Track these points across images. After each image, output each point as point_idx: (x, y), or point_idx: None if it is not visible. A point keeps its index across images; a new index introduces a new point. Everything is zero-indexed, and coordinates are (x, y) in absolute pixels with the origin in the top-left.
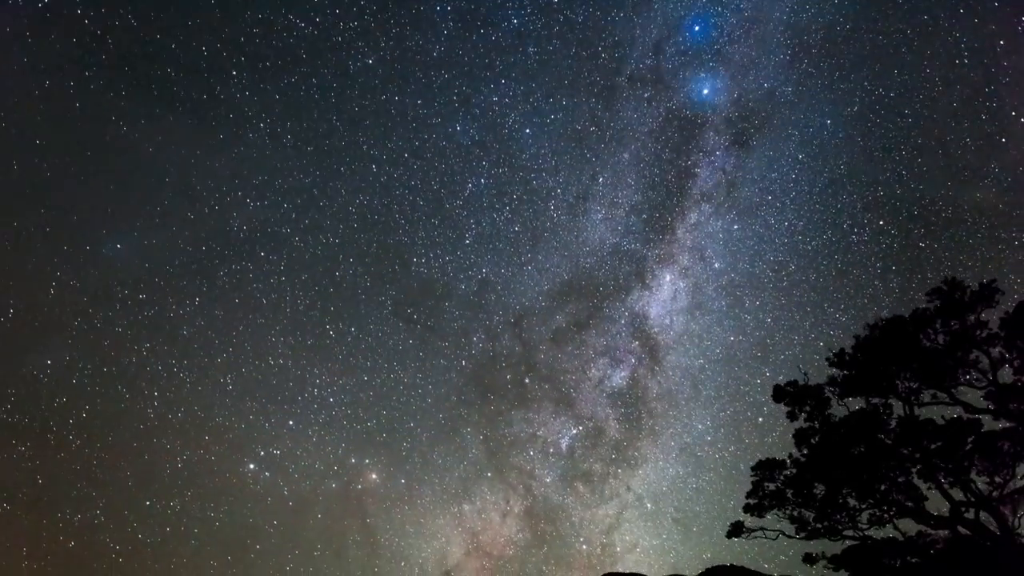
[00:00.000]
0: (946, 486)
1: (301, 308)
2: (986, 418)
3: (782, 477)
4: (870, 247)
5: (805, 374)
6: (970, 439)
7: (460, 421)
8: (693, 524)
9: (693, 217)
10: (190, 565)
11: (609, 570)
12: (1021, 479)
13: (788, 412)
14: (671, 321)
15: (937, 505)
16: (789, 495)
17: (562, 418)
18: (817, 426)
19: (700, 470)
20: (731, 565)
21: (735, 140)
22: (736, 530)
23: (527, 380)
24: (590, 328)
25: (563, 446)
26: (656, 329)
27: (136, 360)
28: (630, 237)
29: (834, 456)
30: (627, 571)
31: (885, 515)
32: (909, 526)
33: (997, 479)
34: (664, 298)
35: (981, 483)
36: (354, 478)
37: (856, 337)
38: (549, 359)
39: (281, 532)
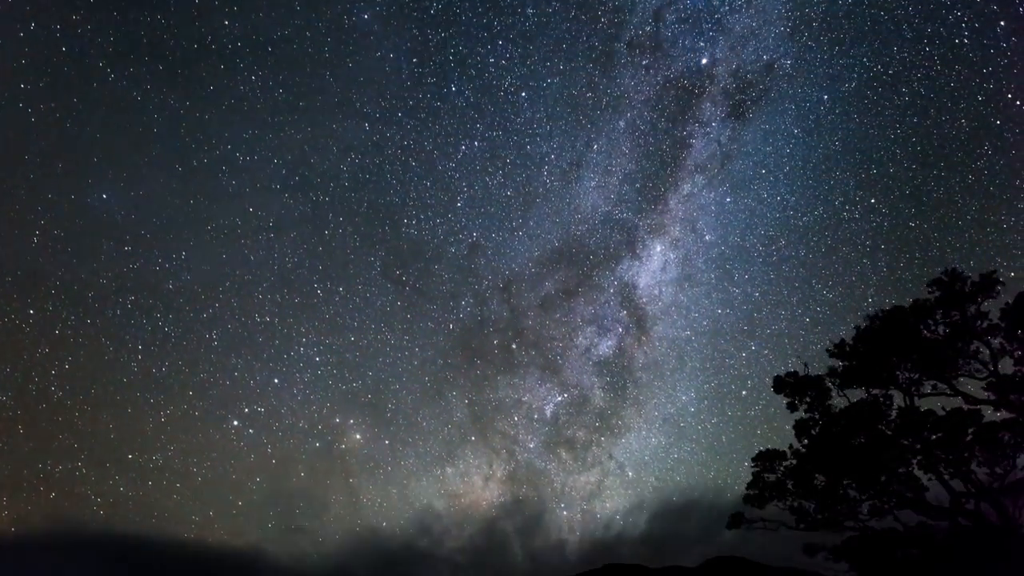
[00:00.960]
0: (946, 477)
1: (289, 266)
2: (987, 409)
3: (782, 468)
4: (860, 225)
5: (805, 365)
6: (971, 430)
7: (446, 384)
8: (673, 494)
9: (686, 188)
10: (172, 519)
11: (590, 538)
12: (1021, 470)
13: (788, 403)
14: (660, 292)
15: (938, 496)
16: (789, 486)
17: (547, 385)
18: (817, 417)
19: (682, 441)
20: (732, 556)
21: (732, 112)
22: (736, 521)
23: (514, 346)
24: (579, 296)
25: (547, 412)
26: (644, 299)
27: (120, 313)
28: (622, 206)
29: (834, 447)
30: (626, 563)
31: (886, 506)
32: (910, 517)
33: (998, 470)
34: (654, 268)
35: (982, 474)
36: (338, 438)
37: (856, 327)
38: (537, 326)
39: (264, 489)
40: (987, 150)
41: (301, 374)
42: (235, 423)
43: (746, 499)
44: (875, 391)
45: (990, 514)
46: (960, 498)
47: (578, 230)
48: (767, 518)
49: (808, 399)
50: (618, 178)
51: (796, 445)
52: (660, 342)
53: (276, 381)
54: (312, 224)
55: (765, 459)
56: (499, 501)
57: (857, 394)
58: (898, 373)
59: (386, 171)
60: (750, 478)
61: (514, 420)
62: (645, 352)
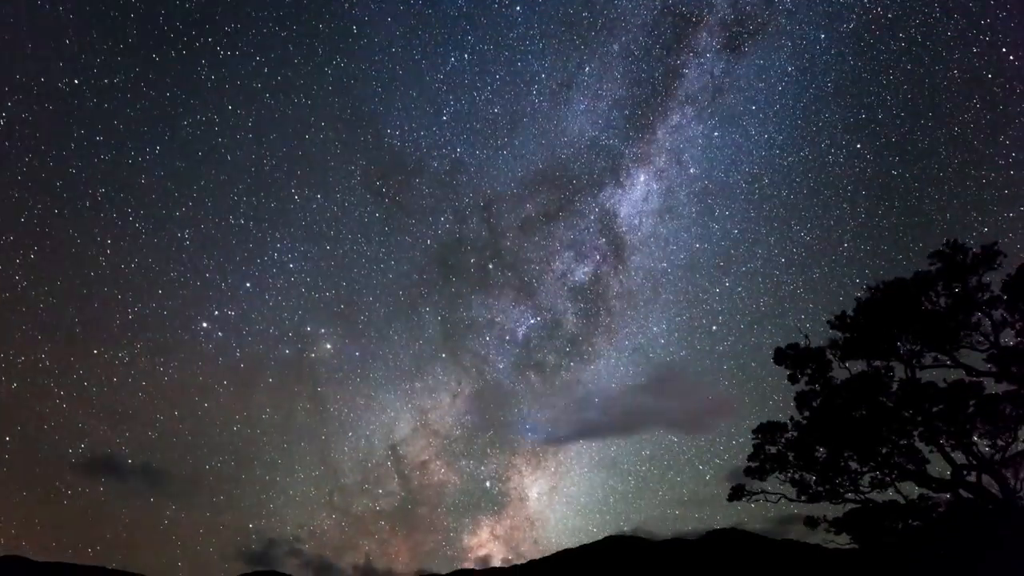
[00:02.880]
0: (948, 449)
1: (266, 169)
2: (988, 381)
3: (783, 440)
4: (844, 170)
5: (806, 336)
6: (972, 402)
7: (420, 300)
8: (637, 422)
9: (675, 119)
10: (136, 417)
11: (555, 460)
12: (1023, 442)
13: (789, 375)
14: (640, 222)
15: (939, 468)
16: (790, 458)
17: (521, 307)
18: (818, 389)
19: (649, 371)
20: (732, 529)
21: (727, 44)
22: (737, 493)
23: (491, 266)
24: (559, 220)
25: (519, 335)
26: (624, 228)
27: (89, 205)
28: (610, 132)
29: (835, 419)
30: (628, 535)
31: (887, 478)
32: (911, 489)
33: (999, 442)
34: (636, 198)
35: (983, 446)
36: (308, 346)
37: (857, 299)
38: (515, 247)
39: (231, 393)
40: (975, 103)
41: (274, 280)
42: (204, 325)
43: (747, 471)
44: (876, 363)
45: (991, 486)
46: (961, 470)
47: (563, 153)
48: (768, 490)
49: (809, 371)
50: (608, 103)
51: (797, 417)
52: (636, 272)
53: (248, 285)
54: (292, 127)
55: (766, 431)
56: (465, 419)
57: (858, 366)
58: (899, 345)
59: (371, 78)
60: (751, 450)
61: (485, 340)
62: (620, 281)
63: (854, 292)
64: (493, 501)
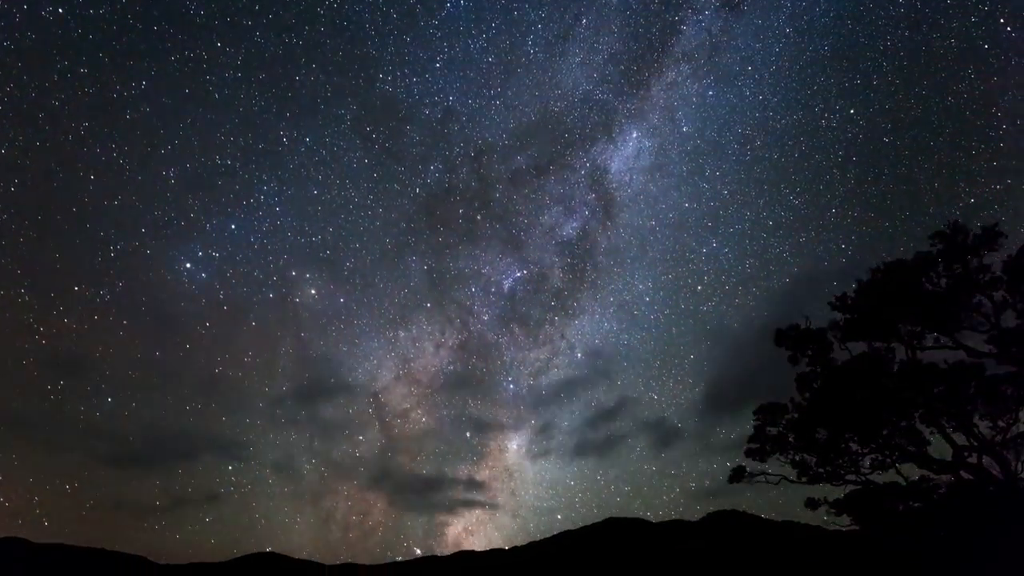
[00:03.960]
0: (949, 431)
1: (255, 109)
2: (989, 362)
3: (784, 422)
4: (836, 135)
5: (807, 318)
6: (973, 383)
7: (406, 249)
8: (618, 378)
9: (670, 76)
10: (116, 356)
11: (535, 413)
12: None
13: (790, 356)
14: (630, 179)
15: (940, 450)
16: (791, 440)
17: (508, 260)
18: (819, 370)
19: (633, 328)
20: (732, 510)
21: (726, 1)
22: (738, 475)
23: (479, 217)
24: (549, 174)
25: (505, 287)
26: (614, 185)
27: (72, 139)
28: (604, 86)
29: (836, 401)
30: (629, 516)
31: (888, 460)
32: (912, 471)
33: (1000, 423)
34: (627, 155)
35: (984, 428)
36: (292, 291)
37: (858, 280)
38: (504, 199)
39: (213, 334)
40: (970, 73)
41: (260, 223)
42: (188, 265)
43: (748, 452)
44: (877, 345)
45: (992, 468)
46: (962, 452)
47: (556, 106)
48: (769, 472)
49: (810, 353)
50: (603, 57)
51: (798, 399)
52: (624, 229)
53: (233, 227)
54: (283, 67)
55: (767, 413)
56: (448, 369)
57: (859, 348)
58: (900, 326)
59: (365, 20)
60: (751, 431)
61: (471, 291)
62: (608, 237)
63: (840, 258)
64: (473, 451)
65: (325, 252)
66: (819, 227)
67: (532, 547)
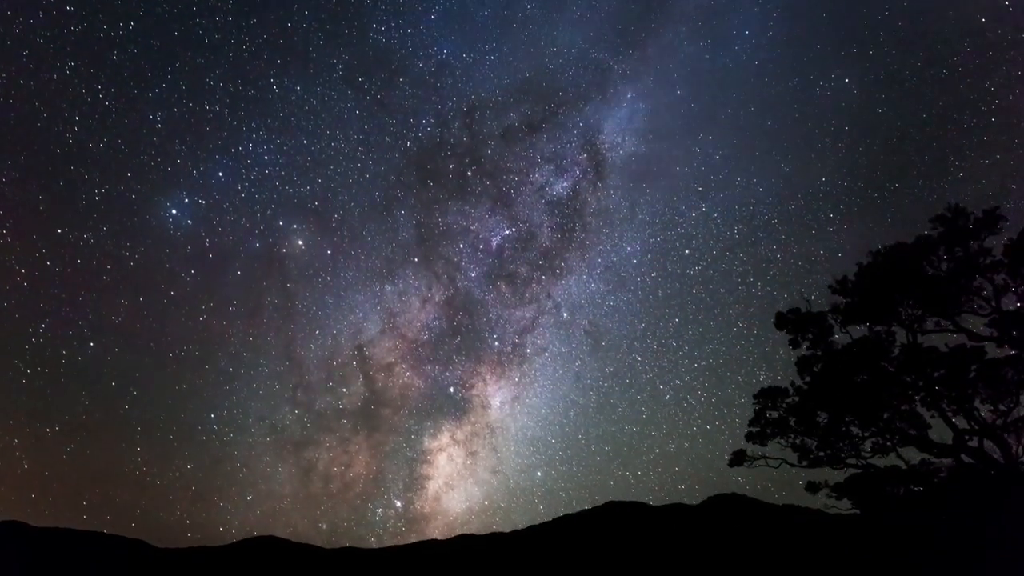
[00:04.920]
0: (949, 414)
1: (246, 55)
2: (990, 346)
3: (784, 405)
4: (829, 102)
5: (808, 301)
6: (973, 367)
7: (395, 202)
8: (603, 339)
9: (668, 37)
10: (99, 302)
11: (519, 371)
12: None
13: (791, 340)
14: (623, 140)
15: (940, 433)
16: (792, 423)
17: (497, 217)
18: (820, 354)
19: (620, 290)
20: (733, 494)
21: None
22: (738, 458)
23: (469, 173)
24: (541, 132)
25: (493, 244)
26: (607, 145)
27: (57, 78)
28: (601, 45)
29: (837, 384)
30: (628, 500)
31: (888, 443)
32: (912, 454)
33: (1001, 407)
34: (621, 116)
35: (985, 411)
36: (279, 241)
37: (858, 264)
38: (495, 156)
39: (197, 282)
40: (966, 46)
41: (248, 171)
42: (173, 212)
43: (748, 436)
44: (878, 328)
45: (993, 452)
46: (963, 435)
47: (551, 64)
48: (769, 455)
49: (810, 336)
50: (601, 15)
51: (798, 382)
52: (615, 190)
53: (220, 175)
54: (274, 13)
55: (767, 396)
56: (433, 324)
57: (860, 331)
58: (901, 310)
59: None
60: (752, 415)
61: (459, 247)
62: (599, 198)
63: (828, 227)
64: (455, 407)
65: (313, 203)
66: (808, 195)
67: (532, 531)
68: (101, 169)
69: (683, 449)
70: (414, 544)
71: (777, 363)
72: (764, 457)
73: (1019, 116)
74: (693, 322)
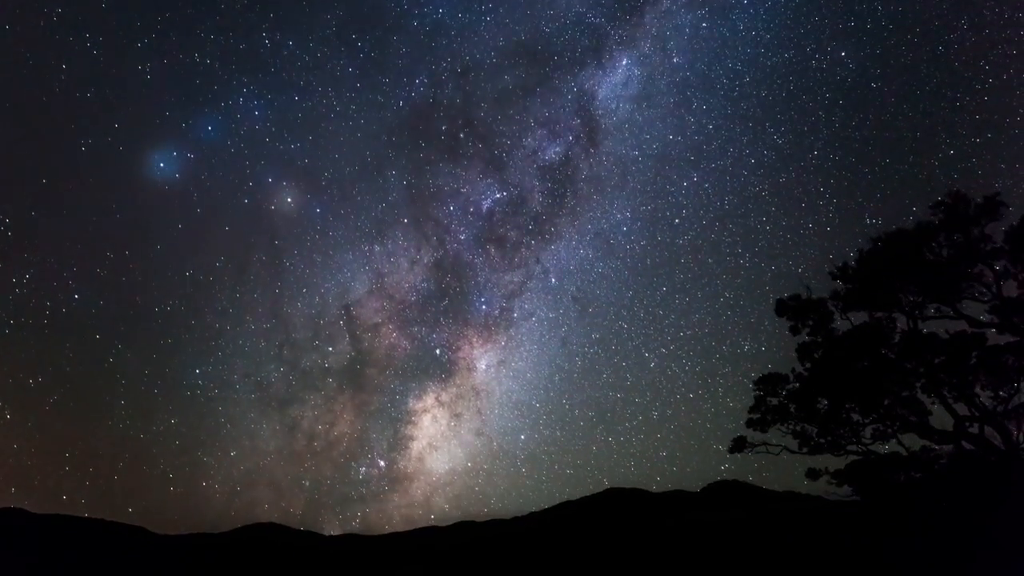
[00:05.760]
0: (950, 401)
1: (238, 8)
2: (990, 332)
3: (785, 392)
4: (825, 76)
5: (808, 287)
6: (974, 353)
7: (386, 162)
8: (590, 305)
9: (665, 4)
10: (84, 252)
11: (506, 335)
12: None
13: (791, 326)
14: (617, 106)
15: (941, 420)
16: (792, 410)
17: (489, 180)
18: (820, 340)
19: (609, 257)
20: (734, 481)
21: None
22: (739, 445)
23: (462, 135)
24: (535, 96)
25: (483, 207)
26: (600, 111)
27: (43, 24)
28: (597, 10)
29: (837, 371)
30: (629, 486)
31: (889, 430)
32: (913, 441)
33: (1002, 393)
34: (616, 82)
35: (985, 398)
36: (268, 198)
37: (859, 250)
38: (488, 118)
39: (185, 236)
40: (963, 24)
41: (238, 125)
42: (161, 164)
43: (749, 423)
44: (878, 315)
45: (994, 438)
46: (964, 422)
47: (547, 27)
48: (770, 442)
49: (811, 322)
50: None
51: (799, 369)
52: (607, 157)
53: (210, 129)
54: None
55: (768, 383)
56: (421, 286)
57: (860, 317)
58: (901, 296)
59: None
60: (752, 402)
61: (449, 210)
62: (591, 164)
63: (818, 200)
64: (441, 368)
65: (303, 160)
66: (799, 168)
67: (532, 517)
68: (89, 119)
69: (666, 416)
70: (415, 530)
71: (762, 334)
72: (765, 444)
73: (1012, 96)
74: (680, 291)
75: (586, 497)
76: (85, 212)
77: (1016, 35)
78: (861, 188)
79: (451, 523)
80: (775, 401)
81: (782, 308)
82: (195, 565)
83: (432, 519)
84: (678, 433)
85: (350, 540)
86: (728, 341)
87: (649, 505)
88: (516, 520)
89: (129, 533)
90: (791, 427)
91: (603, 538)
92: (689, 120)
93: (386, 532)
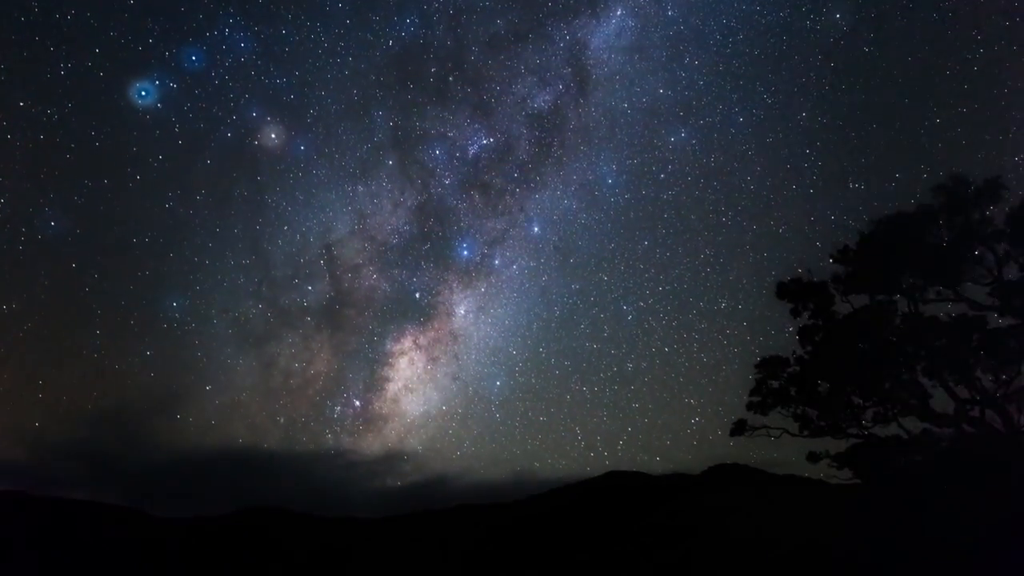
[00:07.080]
0: (951, 384)
1: None
2: (991, 315)
3: (785, 375)
4: (818, 37)
5: (809, 271)
6: (975, 336)
7: (373, 102)
8: (571, 256)
9: None
10: (60, 181)
11: (486, 282)
12: None
13: (792, 309)
14: (609, 57)
15: (942, 403)
16: (793, 393)
17: (476, 125)
18: (821, 324)
19: (592, 209)
20: (735, 464)
21: None
22: (739, 428)
23: (451, 79)
24: (527, 42)
25: (469, 153)
26: (592, 61)
27: None
28: None
29: (838, 354)
30: (628, 471)
31: (889, 413)
32: (914, 424)
33: (1003, 376)
34: (609, 32)
35: (986, 381)
36: (252, 133)
37: (860, 233)
38: (479, 63)
39: (166, 169)
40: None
41: (223, 57)
42: (142, 92)
43: (749, 406)
44: (879, 297)
45: (995, 421)
46: (965, 405)
47: None
48: (770, 425)
49: (811, 305)
50: None
51: (799, 352)
52: (596, 108)
53: (194, 59)
54: None
55: (768, 366)
56: (404, 229)
57: (861, 300)
58: (902, 279)
59: None
60: (753, 385)
61: (435, 153)
62: (579, 115)
63: (803, 163)
64: (420, 312)
65: (289, 96)
66: (787, 129)
67: (532, 501)
68: (68, 42)
69: (640, 369)
70: (413, 515)
71: (739, 293)
72: (765, 426)
73: (1002, 68)
74: (662, 246)
75: (584, 480)
76: (63, 138)
77: (1011, 5)
78: (847, 153)
79: (452, 507)
80: (776, 384)
81: (783, 291)
82: (195, 547)
83: (405, 458)
84: (651, 385)
85: (349, 522)
86: (705, 298)
87: (650, 488)
88: (516, 504)
89: (128, 516)
90: (792, 410)
91: (605, 521)
92: (680, 75)
93: (383, 517)
